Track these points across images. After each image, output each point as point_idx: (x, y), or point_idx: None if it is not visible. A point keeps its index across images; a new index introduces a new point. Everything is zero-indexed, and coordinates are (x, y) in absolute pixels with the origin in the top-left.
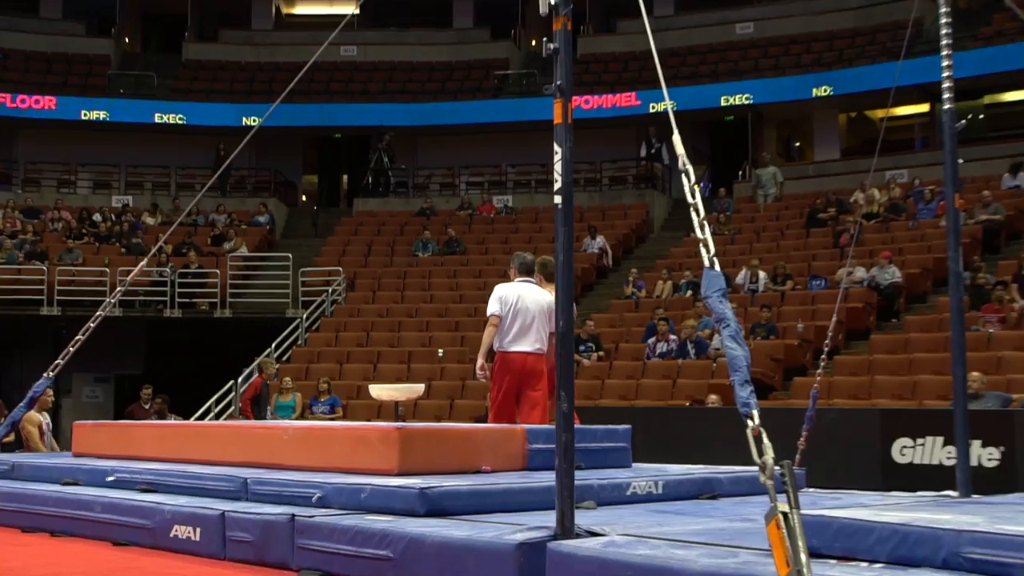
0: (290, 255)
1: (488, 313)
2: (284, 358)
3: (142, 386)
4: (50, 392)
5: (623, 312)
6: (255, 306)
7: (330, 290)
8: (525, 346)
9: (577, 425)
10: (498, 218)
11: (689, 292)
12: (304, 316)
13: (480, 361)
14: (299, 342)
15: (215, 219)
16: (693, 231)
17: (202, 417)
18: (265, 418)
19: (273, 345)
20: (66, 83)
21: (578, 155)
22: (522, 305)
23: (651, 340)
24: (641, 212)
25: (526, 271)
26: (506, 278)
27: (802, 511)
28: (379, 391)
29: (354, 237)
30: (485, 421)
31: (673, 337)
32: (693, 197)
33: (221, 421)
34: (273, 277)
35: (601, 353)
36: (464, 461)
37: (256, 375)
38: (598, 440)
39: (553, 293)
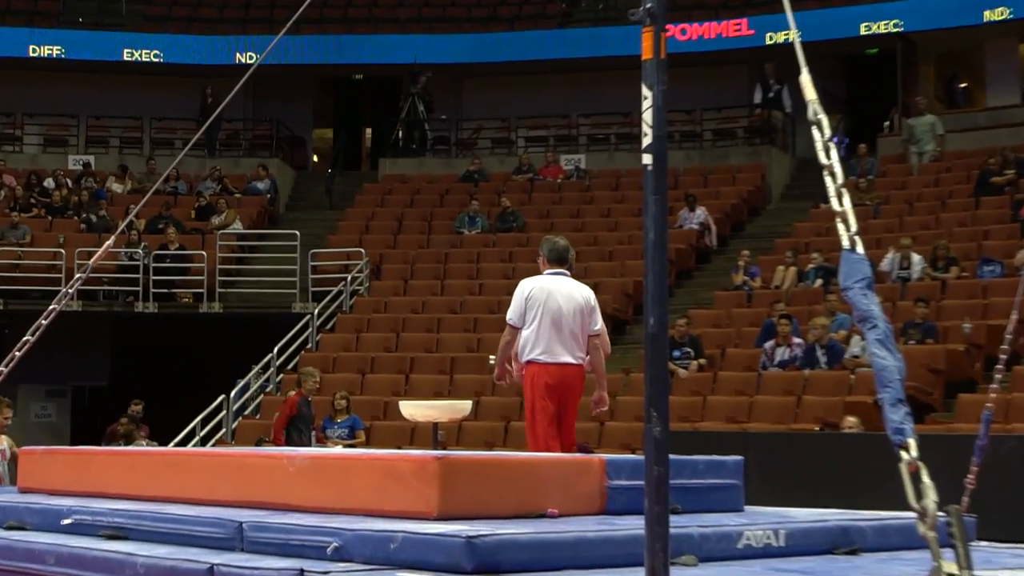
0: (297, 233)
1: (507, 319)
2: (289, 366)
3: (131, 402)
4: (8, 409)
5: (731, 307)
6: (252, 299)
7: (349, 278)
8: (565, 355)
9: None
10: (567, 184)
11: (819, 281)
12: (315, 312)
13: (499, 370)
14: (308, 346)
15: (201, 186)
16: (825, 201)
17: (185, 442)
18: (309, 445)
19: (276, 350)
20: (8, 8)
21: (673, 101)
22: (554, 304)
23: (768, 344)
24: (755, 176)
25: (558, 259)
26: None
27: (975, 572)
28: (413, 409)
29: (380, 209)
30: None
31: (798, 340)
32: (827, 156)
33: (209, 447)
34: (275, 261)
35: (702, 361)
36: (524, 502)
37: (293, 392)
38: (700, 475)
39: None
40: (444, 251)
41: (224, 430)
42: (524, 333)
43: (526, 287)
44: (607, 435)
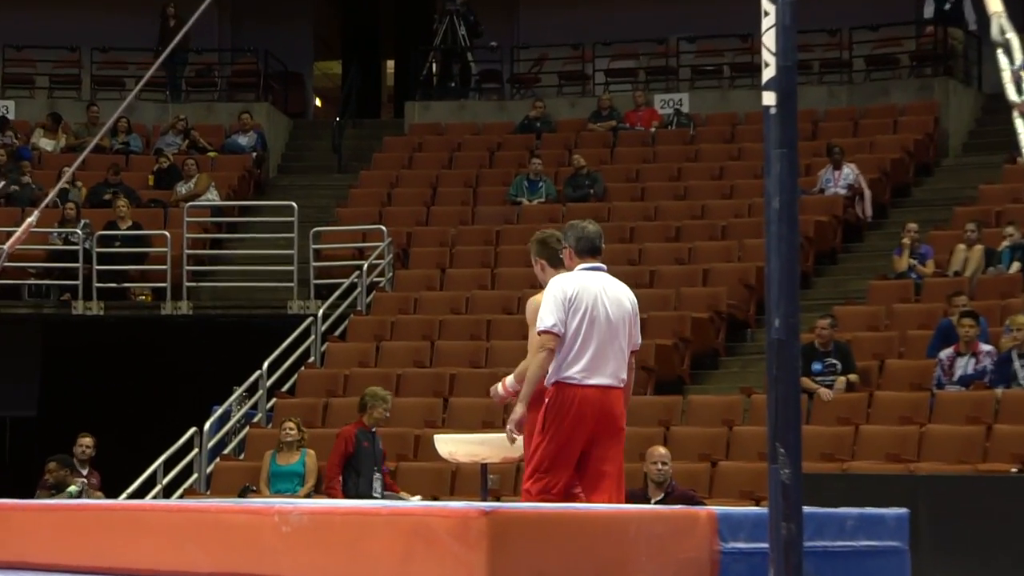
0: (294, 205)
1: (542, 327)
2: (285, 386)
3: (78, 436)
4: None
5: (892, 302)
6: (233, 296)
7: (365, 267)
8: (603, 377)
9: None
10: (663, 135)
11: (1016, 266)
12: (320, 314)
13: (520, 411)
14: (311, 359)
15: (161, 142)
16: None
17: (142, 492)
18: (374, 496)
19: (265, 365)
20: None
21: (809, 17)
22: (601, 310)
23: (946, 353)
24: (925, 120)
25: (591, 250)
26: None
27: None
28: (453, 446)
29: (407, 172)
30: (639, 496)
31: (986, 348)
32: (1017, 91)
33: (175, 500)
34: (264, 245)
35: (852, 377)
36: (604, 571)
37: (351, 423)
38: (848, 535)
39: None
40: (495, 228)
41: (196, 476)
42: (562, 344)
43: (568, 285)
44: (719, 479)
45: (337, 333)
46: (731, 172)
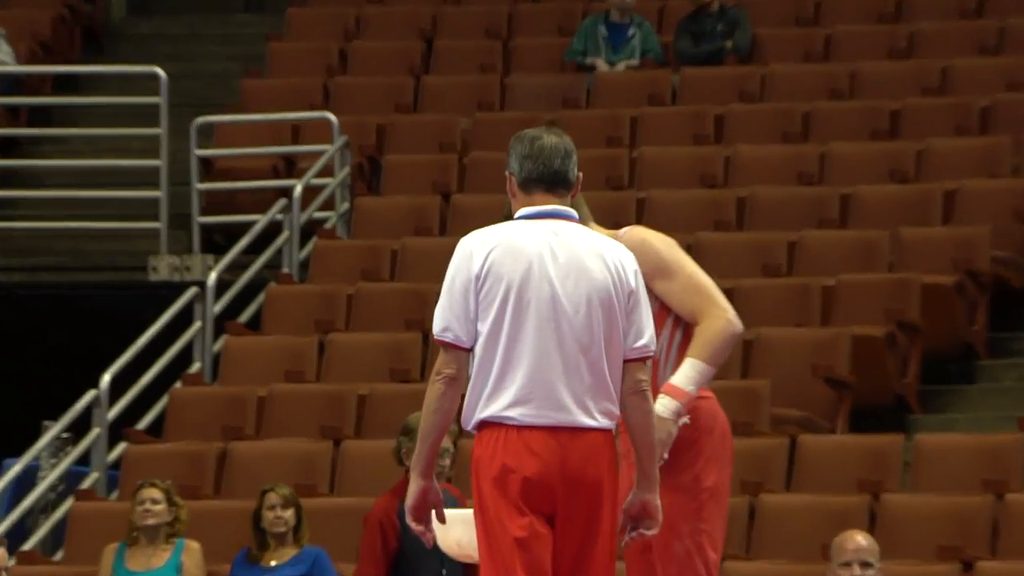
0: (160, 73)
1: (436, 331)
2: (144, 419)
3: None
4: None
5: None
6: (44, 249)
7: (297, 192)
8: (565, 410)
9: None
10: None
11: None
12: (211, 281)
13: (418, 489)
14: (194, 366)
15: None
16: None
17: None
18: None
19: (104, 381)
20: None
21: None
22: (537, 290)
23: None
24: None
25: (540, 178)
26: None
27: None
28: (460, 530)
29: (376, 9)
30: None
31: None
32: None
33: None
34: (103, 149)
35: None
36: None
37: (384, 493)
38: None
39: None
40: (544, 117)
41: None
42: (475, 362)
43: (476, 250)
44: None
45: (244, 318)
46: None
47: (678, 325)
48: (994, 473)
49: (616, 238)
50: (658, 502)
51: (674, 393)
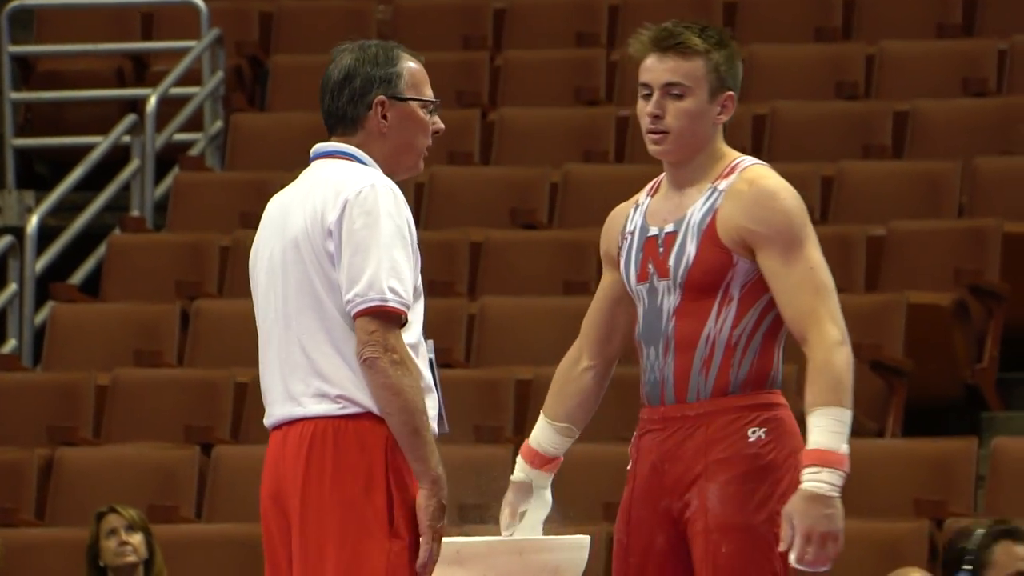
0: None
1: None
2: None
3: None
4: None
5: None
6: None
7: (151, 104)
8: (272, 403)
9: None
10: None
11: None
12: (31, 227)
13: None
14: (10, 340)
15: None
16: None
17: None
18: None
19: None
20: None
21: None
22: (265, 262)
23: None
24: None
25: (326, 125)
26: None
27: None
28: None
29: None
30: None
31: None
32: None
33: None
34: None
35: None
36: None
37: None
38: None
39: None
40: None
41: None
42: None
43: None
44: None
45: (76, 279)
46: None
47: (769, 311)
48: None
49: (732, 170)
50: (427, 504)
51: (835, 462)
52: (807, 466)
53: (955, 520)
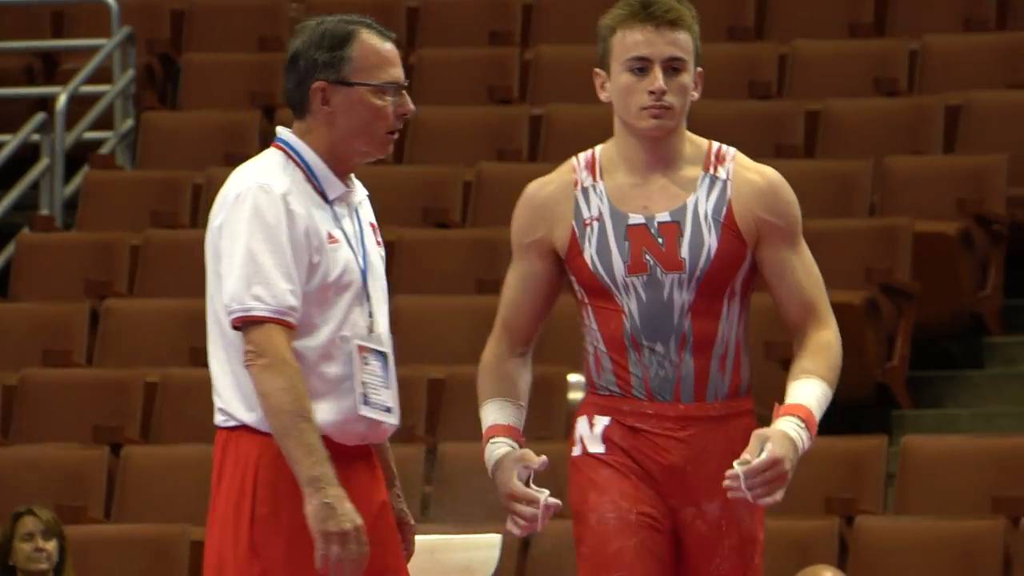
0: None
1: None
2: None
3: None
4: None
5: None
6: None
7: (62, 101)
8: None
9: None
10: None
11: None
12: None
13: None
14: None
15: None
16: None
17: None
18: None
19: None
20: None
21: None
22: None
23: None
24: None
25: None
26: None
27: None
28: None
29: None
30: None
31: None
32: None
33: None
34: None
35: None
36: None
37: None
38: None
39: None
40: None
41: None
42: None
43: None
44: None
45: None
46: None
47: (744, 308)
48: (1007, 488)
49: (719, 156)
50: (309, 507)
51: (812, 429)
52: (794, 416)
53: (867, 518)
